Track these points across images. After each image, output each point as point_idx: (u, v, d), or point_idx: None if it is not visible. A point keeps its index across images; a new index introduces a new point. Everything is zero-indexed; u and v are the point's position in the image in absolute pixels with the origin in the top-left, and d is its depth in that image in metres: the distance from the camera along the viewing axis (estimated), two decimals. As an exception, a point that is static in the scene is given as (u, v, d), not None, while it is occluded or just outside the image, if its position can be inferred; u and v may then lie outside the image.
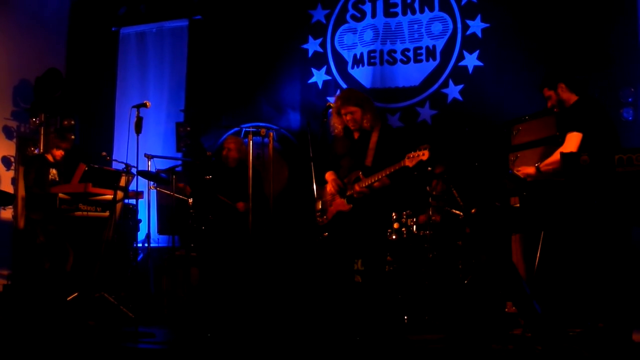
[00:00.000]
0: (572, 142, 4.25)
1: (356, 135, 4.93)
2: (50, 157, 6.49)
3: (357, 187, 4.72)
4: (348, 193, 4.79)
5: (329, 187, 4.87)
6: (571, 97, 4.50)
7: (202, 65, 8.12)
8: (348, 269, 4.92)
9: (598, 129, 4.27)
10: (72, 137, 7.61)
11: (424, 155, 4.39)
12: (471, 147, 6.32)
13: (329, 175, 4.93)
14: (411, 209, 5.83)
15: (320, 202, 4.98)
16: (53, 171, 6.44)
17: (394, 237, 5.78)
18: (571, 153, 3.95)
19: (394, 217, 5.83)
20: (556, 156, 4.25)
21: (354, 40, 7.51)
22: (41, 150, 7.72)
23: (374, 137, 4.83)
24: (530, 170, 4.39)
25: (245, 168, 5.94)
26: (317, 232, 5.09)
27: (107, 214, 6.09)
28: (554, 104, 4.57)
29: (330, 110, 4.97)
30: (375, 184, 4.66)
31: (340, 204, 4.80)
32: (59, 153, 6.51)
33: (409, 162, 4.44)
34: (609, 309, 4.06)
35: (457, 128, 6.61)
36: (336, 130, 4.95)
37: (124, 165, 5.93)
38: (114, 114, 8.50)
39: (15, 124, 8.03)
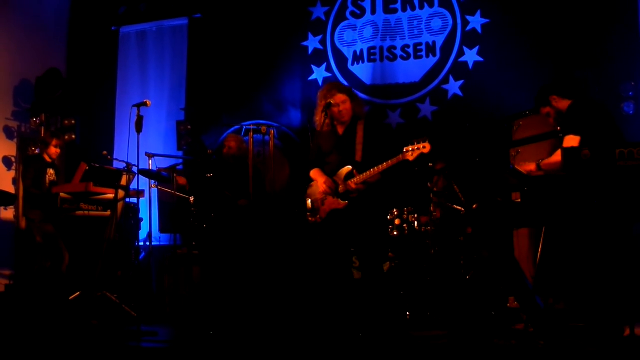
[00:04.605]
0: (571, 144, 4.21)
1: (340, 130, 4.79)
2: (47, 157, 6.48)
3: (352, 184, 4.57)
4: (342, 190, 4.63)
5: (321, 187, 4.70)
6: (566, 103, 4.45)
7: (203, 64, 8.12)
8: (347, 267, 4.85)
9: (596, 128, 4.23)
10: (67, 137, 7.64)
11: (425, 148, 4.25)
12: (472, 142, 6.31)
13: (316, 173, 4.79)
14: (413, 206, 5.82)
15: (309, 200, 4.83)
16: (50, 171, 6.44)
17: (395, 233, 5.78)
18: (572, 148, 3.93)
19: (396, 213, 5.82)
20: (557, 157, 4.20)
21: (353, 37, 7.51)
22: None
23: (360, 132, 4.69)
24: (531, 166, 4.37)
25: (246, 166, 5.94)
26: (309, 231, 4.95)
27: (108, 213, 6.09)
28: (555, 116, 4.50)
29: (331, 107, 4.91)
30: (370, 179, 4.52)
31: (334, 202, 4.64)
32: (54, 151, 6.49)
33: (409, 156, 4.30)
34: (611, 303, 4.05)
35: (458, 124, 6.61)
36: (325, 128, 4.75)
37: (125, 164, 5.93)
38: (115, 113, 8.51)
39: (16, 124, 8.04)
